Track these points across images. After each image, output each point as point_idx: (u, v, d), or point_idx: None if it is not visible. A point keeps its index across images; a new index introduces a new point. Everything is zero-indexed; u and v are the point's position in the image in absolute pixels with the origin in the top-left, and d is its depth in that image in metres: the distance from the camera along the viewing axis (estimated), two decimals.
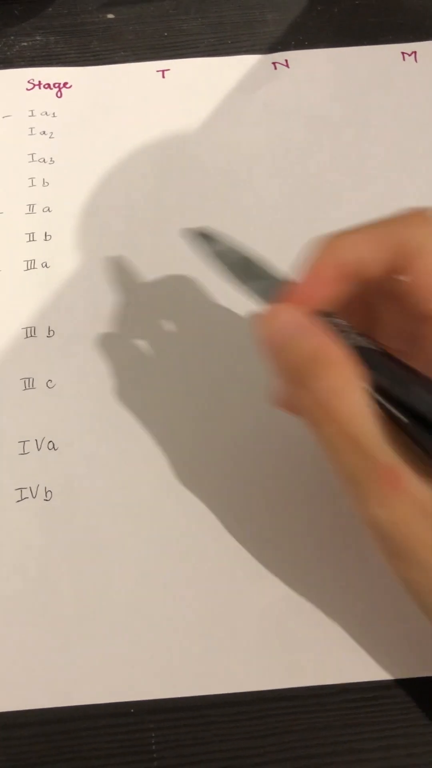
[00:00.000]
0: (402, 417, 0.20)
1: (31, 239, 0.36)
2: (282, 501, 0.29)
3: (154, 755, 0.25)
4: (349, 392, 0.20)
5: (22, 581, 0.28)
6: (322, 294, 0.23)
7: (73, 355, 0.32)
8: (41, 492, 0.29)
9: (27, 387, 0.32)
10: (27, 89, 0.41)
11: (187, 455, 0.30)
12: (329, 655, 0.26)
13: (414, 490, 0.20)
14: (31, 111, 0.40)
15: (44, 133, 0.39)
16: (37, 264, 0.35)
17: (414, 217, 0.22)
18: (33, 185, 0.37)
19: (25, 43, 0.43)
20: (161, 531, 0.29)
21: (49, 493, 0.29)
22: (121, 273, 0.35)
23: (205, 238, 0.28)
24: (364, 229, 0.22)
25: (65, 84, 0.41)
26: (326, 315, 0.23)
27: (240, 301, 0.34)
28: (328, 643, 0.25)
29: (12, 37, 0.43)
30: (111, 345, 0.33)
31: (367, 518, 0.20)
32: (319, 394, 0.21)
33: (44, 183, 0.38)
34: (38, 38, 0.43)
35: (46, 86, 0.41)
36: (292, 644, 0.26)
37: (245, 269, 0.26)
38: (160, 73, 0.42)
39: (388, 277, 0.22)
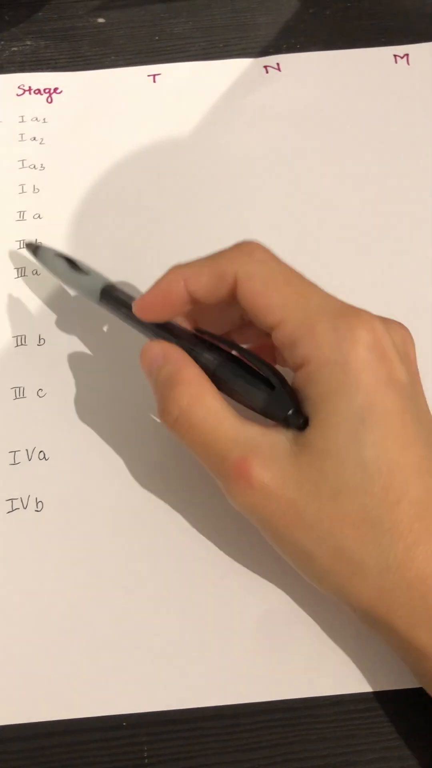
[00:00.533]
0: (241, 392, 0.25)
1: (22, 246, 0.35)
2: None
3: None
4: (198, 406, 0.24)
5: (12, 594, 0.27)
6: (164, 311, 0.27)
7: (64, 364, 0.32)
8: (32, 503, 0.29)
9: (17, 396, 0.31)
10: (17, 95, 0.41)
11: (180, 464, 0.30)
12: (323, 667, 0.26)
13: (262, 478, 0.23)
14: (21, 117, 0.40)
15: (34, 139, 0.39)
16: (28, 272, 0.35)
17: (237, 250, 0.26)
18: (23, 192, 0.37)
19: (15, 48, 0.43)
20: (154, 542, 0.28)
21: (39, 504, 0.29)
22: (113, 279, 0.35)
23: (34, 250, 0.32)
24: (200, 262, 0.26)
25: (55, 89, 0.41)
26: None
27: None
28: (322, 655, 0.25)
29: (2, 42, 0.43)
30: (102, 353, 0.32)
31: (234, 506, 0.24)
32: (176, 410, 0.25)
33: (35, 190, 0.37)
34: (28, 43, 0.43)
35: (37, 92, 0.41)
36: (286, 656, 0.26)
37: (71, 272, 0.31)
38: (152, 77, 0.42)
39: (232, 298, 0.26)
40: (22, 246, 0.35)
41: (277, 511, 0.23)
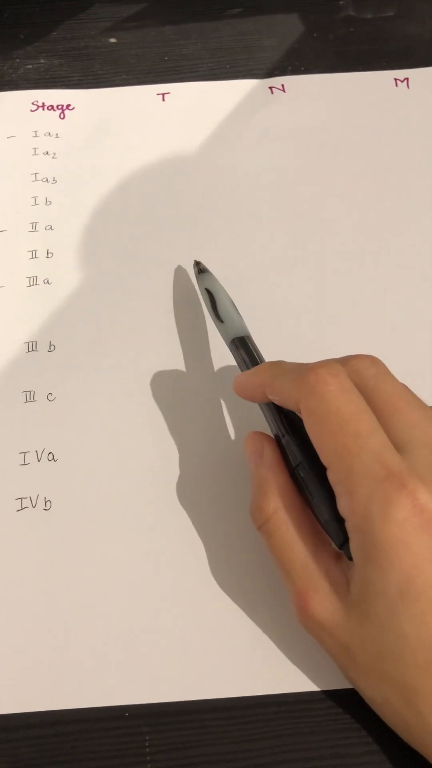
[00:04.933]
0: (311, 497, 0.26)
1: (34, 256, 0.37)
2: None
3: (148, 758, 0.26)
4: (280, 521, 0.26)
5: (20, 588, 0.28)
6: (252, 398, 0.29)
7: (73, 370, 0.33)
8: (41, 502, 0.30)
9: (28, 400, 0.33)
10: (31, 110, 0.42)
11: (185, 468, 0.31)
12: (317, 663, 0.27)
13: (318, 615, 0.24)
14: (35, 132, 0.41)
15: (47, 153, 0.41)
16: (39, 281, 0.36)
17: (304, 379, 0.25)
18: (36, 204, 0.39)
19: (30, 66, 0.44)
20: (156, 541, 0.29)
21: (48, 503, 0.30)
22: (121, 290, 0.36)
23: (200, 272, 0.34)
24: (282, 377, 0.27)
25: (68, 106, 0.43)
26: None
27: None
28: (316, 651, 0.26)
29: (17, 60, 0.44)
30: (110, 360, 0.34)
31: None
32: (262, 518, 0.26)
33: (47, 202, 0.39)
34: (42, 61, 0.45)
35: (50, 108, 0.42)
36: (282, 652, 0.27)
37: (212, 310, 0.32)
38: (161, 96, 0.43)
39: None
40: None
41: (333, 646, 0.24)
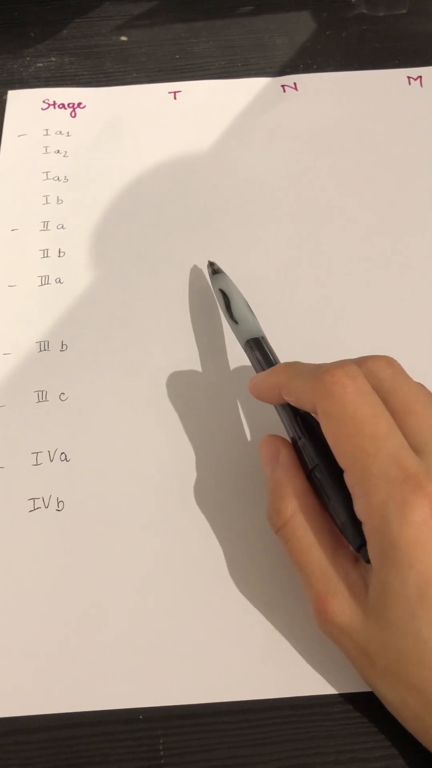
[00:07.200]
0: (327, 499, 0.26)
1: (45, 255, 0.37)
2: None
3: (162, 761, 0.26)
4: (298, 524, 0.26)
5: (33, 589, 0.28)
6: (266, 399, 0.28)
7: (86, 369, 0.33)
8: (53, 502, 0.30)
9: (40, 399, 0.32)
10: (42, 109, 0.42)
11: (198, 468, 0.31)
12: (333, 665, 0.27)
13: (337, 618, 0.24)
14: (46, 130, 0.41)
15: (58, 151, 0.40)
16: (51, 279, 0.36)
17: (320, 382, 0.25)
18: (47, 203, 0.38)
19: (41, 64, 0.44)
20: (169, 541, 0.29)
21: (61, 504, 0.30)
22: (133, 289, 0.36)
23: (214, 273, 0.34)
24: (297, 379, 0.26)
25: (79, 104, 0.42)
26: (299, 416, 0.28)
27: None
28: (333, 653, 0.26)
29: (28, 58, 0.44)
30: (123, 359, 0.34)
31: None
32: (280, 522, 0.26)
33: (58, 201, 0.39)
34: (53, 59, 0.44)
35: (61, 106, 0.42)
36: (297, 654, 0.27)
37: (227, 311, 0.32)
38: (172, 94, 0.43)
39: None
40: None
41: (351, 649, 0.24)
